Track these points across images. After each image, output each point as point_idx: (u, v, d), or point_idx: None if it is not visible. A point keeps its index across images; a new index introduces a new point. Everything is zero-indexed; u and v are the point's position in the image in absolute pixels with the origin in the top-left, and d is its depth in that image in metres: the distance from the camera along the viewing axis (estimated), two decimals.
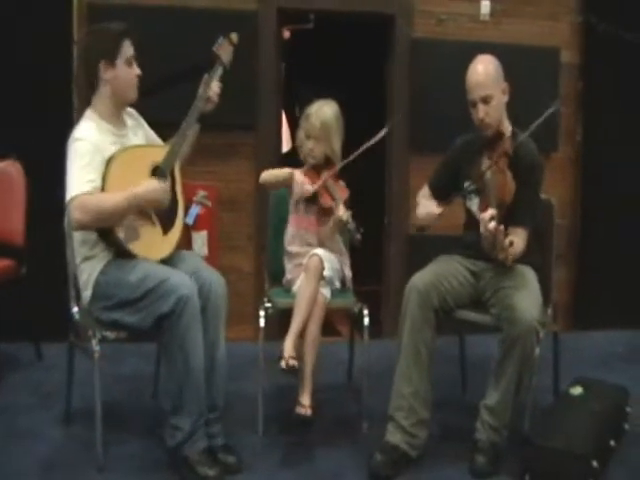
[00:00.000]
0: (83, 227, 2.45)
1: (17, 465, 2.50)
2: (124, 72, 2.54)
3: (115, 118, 2.58)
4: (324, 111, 2.87)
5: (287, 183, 2.91)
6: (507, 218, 2.49)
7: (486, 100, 2.60)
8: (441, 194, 2.78)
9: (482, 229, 2.42)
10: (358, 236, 2.71)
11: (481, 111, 2.61)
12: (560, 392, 2.90)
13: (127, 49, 2.54)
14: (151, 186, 2.48)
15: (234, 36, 2.75)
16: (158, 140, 2.78)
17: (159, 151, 2.61)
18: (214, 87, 2.67)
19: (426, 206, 2.71)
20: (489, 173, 2.49)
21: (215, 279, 2.57)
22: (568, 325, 4.19)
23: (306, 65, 5.40)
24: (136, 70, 2.58)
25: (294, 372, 2.57)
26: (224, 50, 2.72)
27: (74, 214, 2.39)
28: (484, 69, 2.62)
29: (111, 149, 2.49)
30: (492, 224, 2.35)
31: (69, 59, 3.77)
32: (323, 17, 4.59)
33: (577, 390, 2.72)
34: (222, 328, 2.57)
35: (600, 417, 2.57)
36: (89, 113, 2.56)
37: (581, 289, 4.31)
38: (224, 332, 2.57)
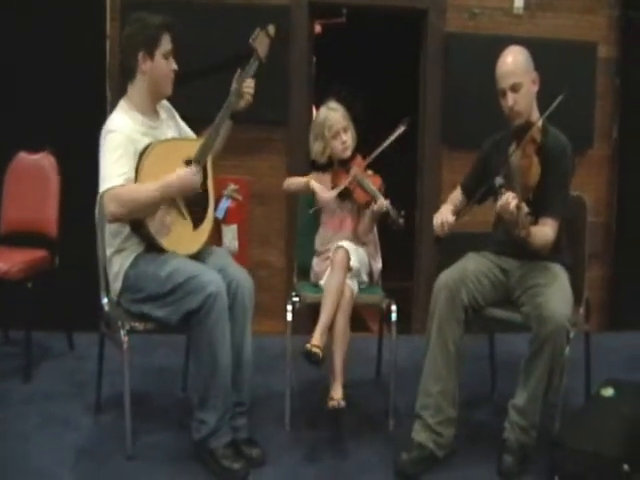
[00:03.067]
0: (117, 219, 2.45)
1: (49, 451, 2.54)
2: (161, 65, 2.53)
3: (149, 110, 2.59)
4: (332, 107, 2.94)
5: (308, 192, 2.93)
6: (535, 208, 2.44)
7: (515, 88, 2.57)
8: (472, 194, 2.75)
9: (499, 208, 2.37)
10: (401, 221, 2.74)
11: (510, 99, 2.58)
12: (591, 394, 2.85)
13: (166, 43, 2.53)
14: (181, 172, 2.47)
15: (271, 28, 2.68)
16: (191, 133, 2.77)
17: (192, 145, 2.61)
18: (248, 83, 2.63)
19: (442, 213, 2.61)
20: (514, 157, 2.46)
21: (242, 277, 2.57)
22: (603, 325, 4.13)
23: (338, 60, 5.37)
24: (173, 65, 2.57)
25: (315, 360, 2.55)
26: (260, 43, 2.65)
27: (109, 207, 2.39)
28: (513, 58, 2.60)
29: (144, 140, 2.49)
30: (513, 203, 2.31)
31: (102, 53, 3.82)
32: (355, 11, 4.57)
33: (608, 391, 2.67)
34: (249, 326, 2.57)
35: (632, 419, 2.52)
36: (122, 103, 2.57)
37: (616, 288, 4.23)
38: (250, 329, 2.58)
